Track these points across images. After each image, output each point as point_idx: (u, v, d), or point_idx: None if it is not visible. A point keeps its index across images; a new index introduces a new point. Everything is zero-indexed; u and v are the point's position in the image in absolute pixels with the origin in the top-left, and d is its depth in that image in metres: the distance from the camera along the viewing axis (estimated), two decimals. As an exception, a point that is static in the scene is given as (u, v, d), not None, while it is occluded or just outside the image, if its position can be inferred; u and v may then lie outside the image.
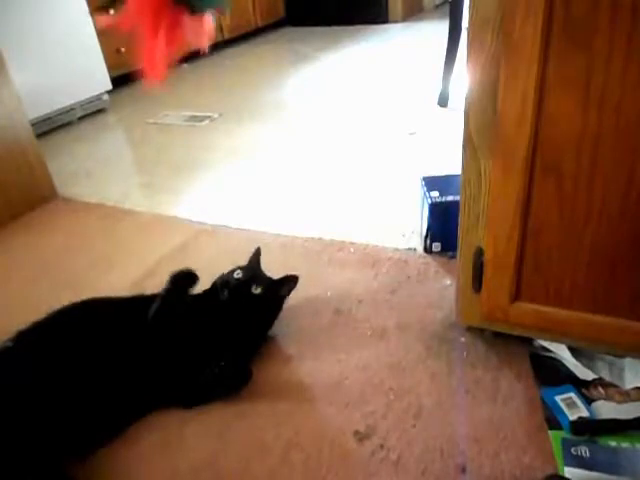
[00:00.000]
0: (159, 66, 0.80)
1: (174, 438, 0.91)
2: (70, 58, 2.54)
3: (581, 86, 0.69)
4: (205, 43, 0.85)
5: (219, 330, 1.00)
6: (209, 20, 0.84)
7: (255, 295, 1.03)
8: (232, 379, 0.97)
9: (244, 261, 1.13)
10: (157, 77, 0.79)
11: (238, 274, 1.05)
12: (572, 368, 0.95)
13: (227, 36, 3.95)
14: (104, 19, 0.80)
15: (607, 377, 0.92)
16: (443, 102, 2.30)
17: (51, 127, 2.52)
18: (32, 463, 0.81)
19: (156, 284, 1.07)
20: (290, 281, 1.09)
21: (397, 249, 1.36)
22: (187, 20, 0.81)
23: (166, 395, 0.95)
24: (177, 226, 1.58)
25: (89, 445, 0.89)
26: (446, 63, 2.23)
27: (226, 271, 1.09)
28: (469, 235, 0.90)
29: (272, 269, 1.13)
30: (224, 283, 1.06)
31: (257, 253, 1.16)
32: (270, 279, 1.09)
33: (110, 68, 2.80)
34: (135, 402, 0.94)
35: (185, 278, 1.03)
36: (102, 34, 2.71)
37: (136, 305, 1.03)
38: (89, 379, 0.91)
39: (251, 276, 1.06)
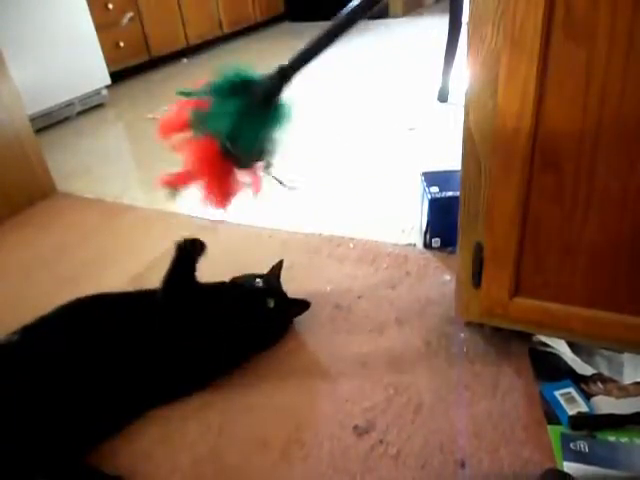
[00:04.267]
0: (221, 197, 0.90)
1: (175, 433, 0.91)
2: (69, 53, 2.53)
3: (581, 82, 0.69)
4: (255, 191, 0.96)
5: (221, 328, 1.00)
6: (257, 173, 0.93)
7: (268, 308, 1.02)
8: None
9: (243, 257, 1.13)
10: (222, 204, 0.89)
11: (258, 282, 1.05)
12: (571, 363, 0.95)
13: (226, 31, 3.95)
14: (166, 179, 0.92)
15: (606, 372, 0.92)
16: (443, 97, 2.30)
17: (50, 122, 2.52)
18: (40, 457, 0.82)
19: (155, 280, 1.07)
20: (302, 304, 1.10)
21: (397, 245, 1.36)
22: (236, 173, 0.91)
23: (169, 387, 0.96)
24: (177, 222, 1.58)
25: (95, 438, 0.90)
26: (446, 58, 2.23)
27: (248, 272, 1.09)
28: (469, 230, 0.90)
29: (271, 265, 1.13)
30: (241, 287, 1.06)
31: (279, 265, 1.15)
32: (285, 296, 1.08)
33: (109, 63, 2.79)
34: (139, 395, 0.94)
35: (192, 246, 1.04)
36: (101, 29, 2.71)
37: (141, 300, 1.04)
38: (94, 373, 0.91)
39: (269, 287, 1.06)
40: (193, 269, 1.04)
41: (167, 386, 0.96)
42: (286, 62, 0.88)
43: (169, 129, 0.91)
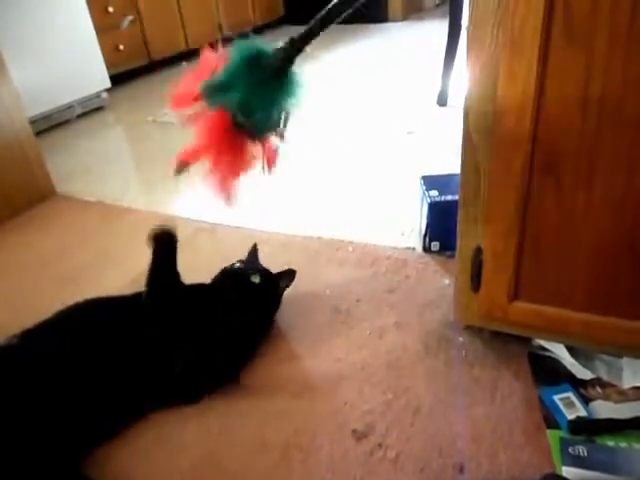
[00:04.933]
0: (227, 185, 0.86)
1: (174, 436, 0.91)
2: (69, 56, 2.53)
3: (581, 85, 0.69)
4: (269, 166, 0.92)
5: (217, 321, 1.00)
6: (271, 146, 0.90)
7: (254, 284, 1.04)
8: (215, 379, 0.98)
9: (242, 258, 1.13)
10: (226, 195, 0.85)
11: (238, 266, 1.08)
12: (570, 367, 0.95)
13: (226, 34, 3.95)
14: (180, 157, 0.88)
15: (605, 377, 0.92)
16: (442, 101, 2.31)
17: (50, 125, 2.52)
18: (38, 461, 0.81)
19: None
20: (288, 275, 1.11)
21: (396, 248, 1.36)
22: (250, 146, 0.87)
23: (169, 392, 0.96)
24: (176, 224, 1.57)
25: (93, 442, 0.90)
26: (445, 62, 2.23)
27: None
28: (468, 234, 0.90)
29: (271, 267, 1.13)
30: (223, 272, 1.08)
31: (254, 249, 1.19)
32: (269, 271, 1.10)
33: (109, 66, 2.79)
34: (138, 399, 0.94)
35: (165, 236, 1.03)
36: (101, 32, 2.71)
37: (139, 303, 1.04)
38: (93, 376, 0.91)
39: (250, 267, 1.08)
40: (174, 262, 1.04)
41: (166, 389, 0.95)
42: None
43: (181, 101, 0.88)
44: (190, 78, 0.88)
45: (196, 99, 0.86)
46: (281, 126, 0.88)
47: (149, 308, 1.00)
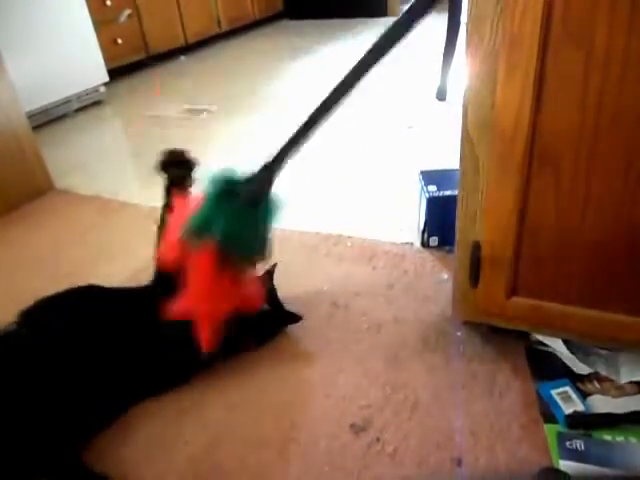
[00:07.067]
0: (210, 332, 0.85)
1: (171, 430, 0.91)
2: (67, 50, 2.52)
3: (579, 82, 0.69)
4: (256, 303, 0.95)
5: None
6: (256, 282, 0.93)
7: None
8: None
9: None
10: (208, 343, 0.84)
11: None
12: (568, 362, 0.95)
13: (225, 29, 3.94)
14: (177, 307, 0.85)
15: (603, 371, 0.93)
16: (441, 96, 2.30)
17: (47, 119, 2.51)
18: (43, 451, 0.82)
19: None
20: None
21: (394, 243, 1.36)
22: (237, 281, 0.88)
23: (166, 374, 0.96)
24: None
25: (92, 428, 0.90)
26: (445, 57, 2.23)
27: None
28: (466, 230, 0.90)
29: (269, 264, 1.13)
30: None
31: (271, 270, 1.14)
32: (277, 301, 1.09)
33: (107, 60, 2.78)
34: (136, 384, 0.95)
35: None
36: (99, 25, 2.70)
37: (137, 296, 1.04)
38: (91, 363, 0.91)
39: None
40: None
41: (163, 374, 0.96)
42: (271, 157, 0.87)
43: (169, 251, 0.88)
44: (172, 229, 0.88)
45: (182, 244, 0.85)
46: (266, 249, 0.89)
47: (153, 289, 1.01)
